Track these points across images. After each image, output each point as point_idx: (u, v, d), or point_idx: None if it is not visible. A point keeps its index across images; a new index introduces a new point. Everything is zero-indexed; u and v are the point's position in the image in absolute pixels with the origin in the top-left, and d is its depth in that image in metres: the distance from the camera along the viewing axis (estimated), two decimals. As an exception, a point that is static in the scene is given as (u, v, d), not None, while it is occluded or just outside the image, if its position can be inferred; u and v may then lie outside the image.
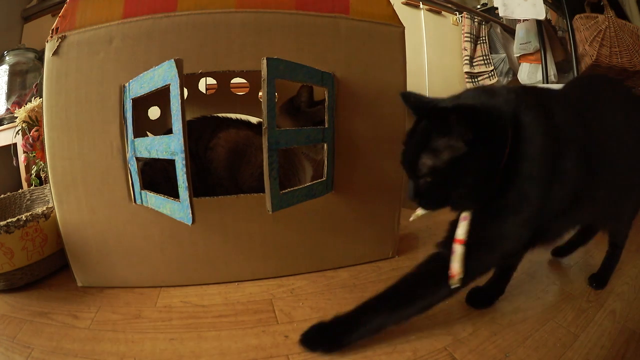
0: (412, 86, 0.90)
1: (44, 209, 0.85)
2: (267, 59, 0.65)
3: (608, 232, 0.80)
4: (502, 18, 2.15)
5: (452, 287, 0.57)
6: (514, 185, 0.53)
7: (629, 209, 0.76)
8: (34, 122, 1.37)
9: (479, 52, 2.16)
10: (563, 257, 0.93)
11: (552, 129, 0.53)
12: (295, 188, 0.76)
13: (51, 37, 0.74)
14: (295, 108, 0.92)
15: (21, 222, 0.78)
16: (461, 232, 0.57)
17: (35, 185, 1.28)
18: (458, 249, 0.57)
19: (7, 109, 1.64)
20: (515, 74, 2.14)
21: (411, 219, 0.64)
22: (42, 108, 0.77)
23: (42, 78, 0.77)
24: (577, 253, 0.98)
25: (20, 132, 1.39)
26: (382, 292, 0.62)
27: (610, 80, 0.76)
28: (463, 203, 0.57)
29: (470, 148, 0.51)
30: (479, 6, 2.40)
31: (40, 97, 1.08)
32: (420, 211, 0.62)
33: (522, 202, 0.54)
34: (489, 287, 0.75)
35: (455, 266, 0.56)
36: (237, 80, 1.30)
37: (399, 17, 0.87)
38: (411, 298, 0.61)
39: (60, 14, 0.75)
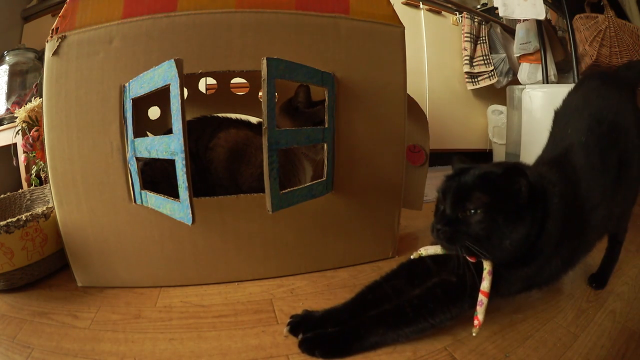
0: (412, 86, 0.90)
1: (44, 209, 0.85)
2: (267, 59, 0.65)
3: (610, 232, 0.80)
4: (502, 18, 2.15)
5: (474, 334, 0.59)
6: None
7: (627, 204, 0.75)
8: (34, 122, 1.36)
9: (479, 52, 2.16)
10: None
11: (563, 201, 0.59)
12: (295, 188, 0.76)
13: (51, 37, 0.74)
14: (293, 108, 0.92)
15: (21, 222, 0.78)
16: (486, 285, 0.59)
17: (35, 185, 1.28)
18: (484, 301, 0.58)
19: (7, 109, 1.64)
20: (515, 74, 2.13)
21: (413, 256, 0.67)
22: (42, 108, 0.77)
23: (42, 78, 0.77)
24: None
25: (20, 132, 1.39)
26: (387, 308, 0.62)
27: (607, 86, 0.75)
28: (494, 251, 0.57)
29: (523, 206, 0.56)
30: (479, 6, 2.40)
31: (40, 97, 1.08)
32: (425, 250, 0.65)
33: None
34: None
35: (481, 317, 0.58)
36: (237, 80, 1.30)
37: (399, 17, 0.87)
38: (417, 320, 0.61)
39: (60, 14, 0.75)
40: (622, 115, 0.69)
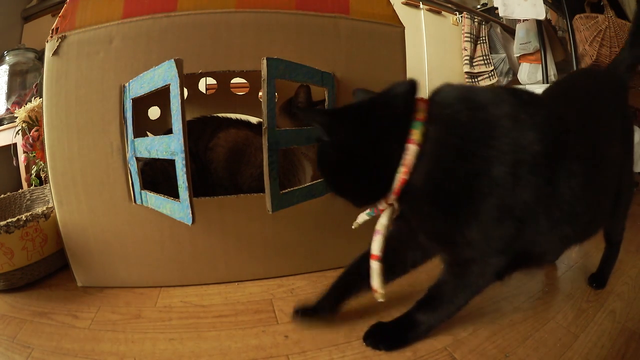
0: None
1: (44, 209, 0.85)
2: (267, 59, 0.65)
3: (604, 233, 0.79)
4: (502, 18, 2.15)
5: (379, 300, 0.57)
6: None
7: (620, 203, 0.73)
8: (34, 122, 1.37)
9: (479, 52, 2.16)
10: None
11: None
12: (295, 188, 0.76)
13: (51, 37, 0.74)
14: (294, 108, 0.92)
15: (21, 222, 0.78)
16: (376, 247, 0.57)
17: (35, 185, 1.28)
18: (374, 265, 0.57)
19: (7, 109, 1.64)
20: (515, 74, 2.14)
21: (353, 226, 0.65)
22: (42, 108, 0.77)
23: (42, 78, 0.77)
24: (576, 253, 0.98)
25: (20, 132, 1.39)
26: (426, 293, 0.63)
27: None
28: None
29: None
30: (479, 6, 2.40)
31: (40, 97, 1.09)
32: (361, 218, 0.64)
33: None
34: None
35: (375, 283, 0.57)
36: (237, 80, 1.30)
37: (399, 17, 0.87)
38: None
39: (60, 14, 0.75)
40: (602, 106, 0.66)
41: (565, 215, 0.54)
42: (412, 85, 0.55)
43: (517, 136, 0.50)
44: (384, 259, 0.60)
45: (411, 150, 0.51)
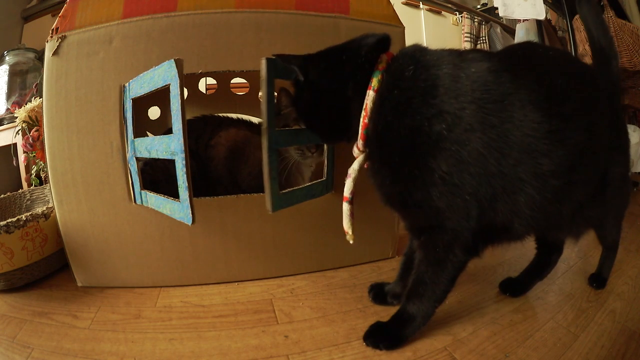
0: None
1: (44, 209, 0.85)
2: (266, 59, 0.65)
3: (597, 236, 0.77)
4: (502, 18, 2.15)
5: (349, 241, 0.62)
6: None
7: (609, 208, 0.69)
8: (34, 122, 1.37)
9: (479, 52, 2.16)
10: (517, 296, 0.77)
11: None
12: (295, 188, 0.76)
13: (51, 37, 0.74)
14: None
15: (21, 222, 0.78)
16: (347, 189, 0.62)
17: (35, 185, 1.28)
18: (345, 207, 0.62)
19: (7, 109, 1.64)
20: (515, 74, 2.13)
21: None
22: (42, 108, 0.77)
23: (42, 78, 0.77)
24: (576, 253, 0.98)
25: (20, 132, 1.39)
26: (409, 284, 0.63)
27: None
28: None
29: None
30: (479, 6, 2.40)
31: (40, 97, 1.09)
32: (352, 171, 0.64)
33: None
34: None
35: (346, 224, 0.62)
36: (237, 80, 1.30)
37: (399, 17, 0.87)
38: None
39: (60, 14, 0.75)
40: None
41: (518, 182, 0.53)
42: (383, 38, 0.59)
43: (453, 95, 0.51)
44: (406, 263, 0.69)
45: (369, 96, 0.55)
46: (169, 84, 0.65)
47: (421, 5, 2.10)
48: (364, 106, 0.56)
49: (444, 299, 0.61)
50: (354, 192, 0.63)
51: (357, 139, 0.59)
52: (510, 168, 0.52)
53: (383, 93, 0.55)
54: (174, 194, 0.68)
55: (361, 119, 0.57)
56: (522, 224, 0.56)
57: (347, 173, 0.62)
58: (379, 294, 0.76)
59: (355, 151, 0.61)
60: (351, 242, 0.63)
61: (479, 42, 2.16)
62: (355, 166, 0.61)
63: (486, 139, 0.51)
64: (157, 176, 0.86)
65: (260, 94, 0.81)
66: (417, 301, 0.61)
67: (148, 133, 1.08)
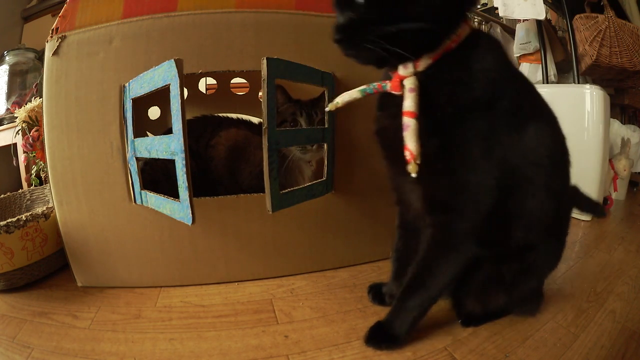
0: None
1: (44, 209, 0.85)
2: (267, 58, 0.65)
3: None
4: (502, 18, 2.15)
5: (413, 175, 0.49)
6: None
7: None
8: (34, 122, 1.36)
9: (479, 52, 2.15)
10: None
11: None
12: (295, 188, 0.76)
13: (51, 37, 0.74)
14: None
15: (21, 222, 0.78)
16: (409, 104, 0.50)
17: (35, 185, 1.28)
18: (411, 123, 0.49)
19: (7, 109, 1.64)
20: (515, 74, 2.13)
21: (328, 108, 0.60)
22: (42, 108, 0.77)
23: (42, 78, 0.77)
24: (576, 253, 0.98)
25: (20, 132, 1.39)
26: (408, 275, 0.61)
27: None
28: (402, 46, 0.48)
29: None
30: (479, 6, 2.40)
31: (40, 97, 1.08)
32: (340, 98, 0.58)
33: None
34: None
35: (412, 145, 0.49)
36: (237, 80, 1.30)
37: (399, 17, 0.87)
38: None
39: (60, 14, 0.75)
40: None
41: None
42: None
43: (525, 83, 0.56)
44: (399, 259, 0.67)
45: (463, 29, 0.51)
46: (169, 84, 0.65)
47: (421, 5, 2.09)
48: (457, 32, 0.50)
49: (439, 297, 0.61)
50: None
51: (418, 59, 0.51)
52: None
53: (469, 42, 0.51)
54: (174, 194, 0.68)
55: (448, 40, 0.50)
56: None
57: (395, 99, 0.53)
58: (377, 294, 0.75)
59: (410, 68, 0.51)
60: (414, 174, 0.49)
61: (479, 42, 2.15)
62: (413, 81, 0.51)
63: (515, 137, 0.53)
64: (157, 176, 0.86)
65: (260, 93, 0.81)
66: (416, 293, 0.59)
67: (148, 133, 1.08)
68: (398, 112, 0.51)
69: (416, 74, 0.51)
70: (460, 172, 0.52)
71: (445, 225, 0.56)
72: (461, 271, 0.57)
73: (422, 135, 0.49)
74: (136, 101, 0.74)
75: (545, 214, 0.57)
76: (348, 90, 0.84)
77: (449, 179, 0.53)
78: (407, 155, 0.49)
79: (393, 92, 0.53)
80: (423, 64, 0.51)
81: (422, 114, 0.50)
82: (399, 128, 0.50)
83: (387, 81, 0.54)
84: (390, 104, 0.56)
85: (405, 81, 0.51)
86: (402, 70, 0.52)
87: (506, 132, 0.52)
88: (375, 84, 0.56)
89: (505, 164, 0.52)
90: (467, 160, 0.51)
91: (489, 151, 0.51)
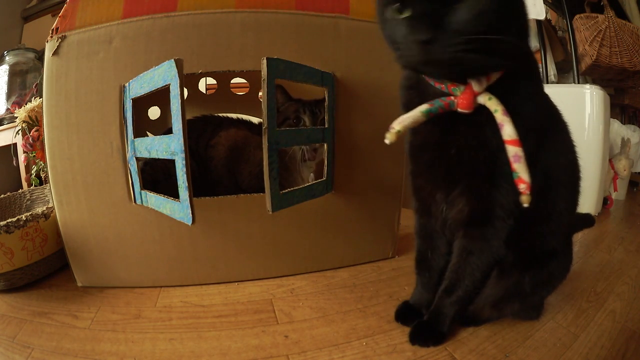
0: (412, 86, 0.90)
1: (44, 209, 0.85)
2: (267, 58, 0.65)
3: None
4: (502, 18, 2.15)
5: (525, 205, 0.46)
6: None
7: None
8: (34, 122, 1.37)
9: (479, 52, 2.15)
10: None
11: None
12: (295, 188, 0.76)
13: (51, 37, 0.74)
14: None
15: (21, 222, 0.78)
16: (510, 131, 0.45)
17: (35, 185, 1.28)
18: (521, 153, 0.45)
19: (7, 109, 1.64)
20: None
21: (387, 140, 0.52)
22: (42, 108, 0.77)
23: (42, 78, 0.76)
24: (576, 253, 0.98)
25: (20, 132, 1.39)
26: (447, 279, 0.62)
27: None
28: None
29: None
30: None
31: (40, 97, 1.09)
32: (400, 125, 0.51)
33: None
34: None
35: (526, 176, 0.45)
36: (237, 80, 1.30)
37: (399, 17, 0.87)
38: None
39: (60, 14, 0.75)
40: None
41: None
42: None
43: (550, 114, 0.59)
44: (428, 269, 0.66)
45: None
46: (169, 84, 0.65)
47: (421, 5, 2.09)
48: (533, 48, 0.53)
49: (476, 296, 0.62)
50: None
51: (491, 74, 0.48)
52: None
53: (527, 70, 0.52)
54: (173, 194, 0.68)
55: (529, 53, 0.52)
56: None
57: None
58: (402, 312, 0.69)
59: (482, 84, 0.47)
60: (526, 204, 0.47)
61: (479, 42, 2.15)
62: (497, 102, 0.47)
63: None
64: (157, 176, 0.86)
65: (260, 93, 0.81)
66: (454, 292, 0.60)
67: (148, 133, 1.08)
68: (455, 129, 0.50)
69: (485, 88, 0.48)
70: (508, 188, 0.50)
71: (483, 235, 0.57)
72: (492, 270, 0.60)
73: (479, 149, 0.50)
74: (136, 101, 0.74)
75: (566, 220, 0.61)
76: (348, 90, 0.85)
77: (500, 194, 0.52)
78: (523, 187, 0.46)
79: (461, 109, 0.48)
80: (494, 78, 0.48)
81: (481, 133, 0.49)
82: (453, 145, 0.51)
83: (451, 97, 0.49)
84: (444, 118, 0.51)
85: (485, 101, 0.47)
86: (476, 86, 0.47)
87: (544, 144, 0.55)
88: (440, 102, 0.49)
89: (543, 172, 0.55)
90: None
91: (534, 165, 0.50)
